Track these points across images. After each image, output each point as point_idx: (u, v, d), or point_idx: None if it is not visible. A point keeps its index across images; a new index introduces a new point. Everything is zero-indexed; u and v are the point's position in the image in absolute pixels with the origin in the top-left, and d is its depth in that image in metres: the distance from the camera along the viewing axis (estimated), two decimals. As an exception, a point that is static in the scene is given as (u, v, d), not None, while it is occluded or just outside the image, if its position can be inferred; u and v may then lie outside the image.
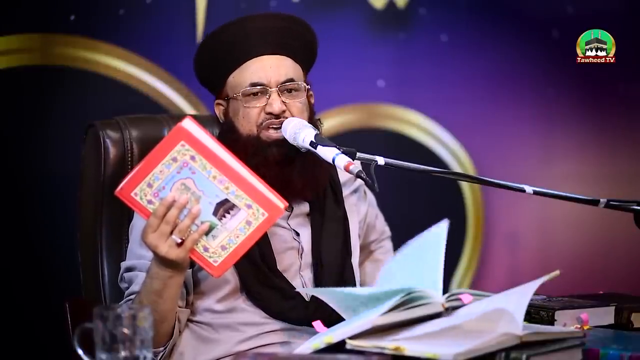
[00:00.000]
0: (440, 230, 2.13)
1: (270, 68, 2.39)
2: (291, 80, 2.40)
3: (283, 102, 2.39)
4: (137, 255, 2.35)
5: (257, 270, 2.36)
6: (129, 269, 2.36)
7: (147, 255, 2.30)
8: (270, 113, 2.37)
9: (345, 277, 2.44)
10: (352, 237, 2.51)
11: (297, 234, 2.45)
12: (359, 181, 2.56)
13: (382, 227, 2.71)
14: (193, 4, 3.57)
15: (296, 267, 2.43)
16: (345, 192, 2.55)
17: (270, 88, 2.38)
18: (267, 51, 2.41)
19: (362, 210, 2.60)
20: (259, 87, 2.38)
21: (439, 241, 2.10)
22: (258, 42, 2.40)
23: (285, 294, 2.38)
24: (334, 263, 2.43)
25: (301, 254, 2.44)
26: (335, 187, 2.52)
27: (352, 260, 2.49)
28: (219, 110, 2.47)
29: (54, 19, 3.35)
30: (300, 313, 2.37)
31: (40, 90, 3.32)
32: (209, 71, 2.46)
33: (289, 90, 2.40)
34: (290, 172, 2.38)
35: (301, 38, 2.46)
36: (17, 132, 3.29)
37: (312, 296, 2.38)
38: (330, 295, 2.15)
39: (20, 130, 3.29)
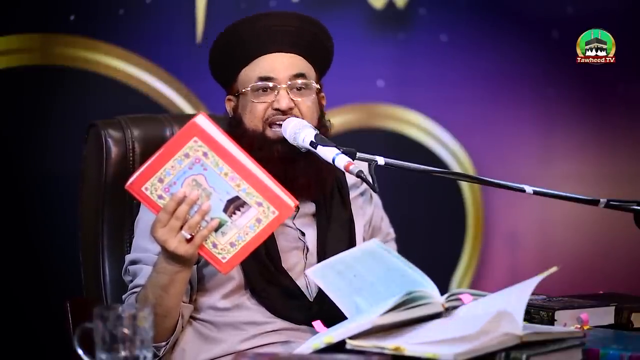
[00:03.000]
0: (372, 246, 2.13)
1: (280, 64, 2.40)
2: (301, 75, 2.40)
3: (292, 99, 2.39)
4: (143, 249, 2.35)
5: (262, 268, 2.36)
6: (134, 262, 2.36)
7: (153, 249, 2.30)
8: (277, 109, 2.37)
9: None
10: (356, 240, 2.51)
11: (303, 234, 2.45)
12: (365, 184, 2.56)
13: (387, 229, 2.71)
14: (193, 4, 3.57)
15: (300, 266, 2.43)
16: (352, 194, 2.55)
17: (280, 84, 2.38)
18: (278, 49, 2.41)
19: (367, 212, 2.60)
20: (267, 81, 2.38)
21: (382, 253, 2.11)
22: (270, 40, 2.41)
23: (290, 293, 2.38)
24: None
25: (306, 254, 2.44)
26: (342, 189, 2.52)
27: None
28: (229, 106, 2.48)
29: (54, 19, 3.35)
30: (304, 312, 2.37)
31: (40, 90, 3.32)
32: (222, 67, 2.47)
33: (299, 89, 2.40)
34: (294, 169, 2.38)
35: (313, 38, 2.46)
36: (17, 132, 3.29)
37: (316, 296, 2.38)
38: (326, 273, 2.16)
39: (20, 130, 3.29)
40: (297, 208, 2.43)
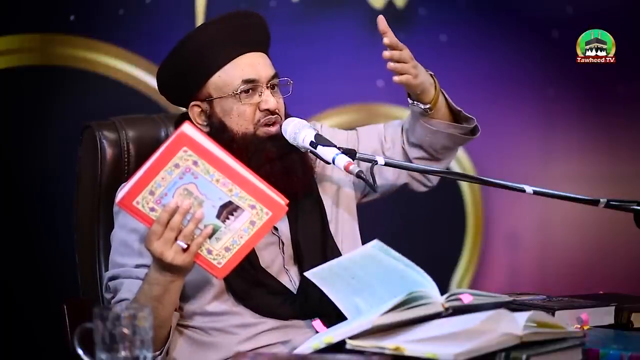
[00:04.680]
0: (370, 250, 2.14)
1: (259, 64, 2.39)
2: (276, 75, 2.41)
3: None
4: (119, 265, 2.35)
5: (241, 270, 2.34)
6: (113, 278, 2.35)
7: (129, 263, 2.32)
8: (266, 110, 2.37)
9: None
10: (327, 217, 2.49)
11: (276, 228, 2.43)
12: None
13: (378, 127, 2.62)
14: (193, 4, 3.57)
15: (280, 261, 2.42)
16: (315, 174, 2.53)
17: (261, 84, 2.38)
18: (249, 48, 2.40)
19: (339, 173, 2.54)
20: (252, 83, 2.37)
21: (380, 256, 2.11)
22: (241, 40, 2.39)
23: (272, 291, 2.37)
24: (314, 251, 2.42)
25: (282, 248, 2.43)
26: None
27: (333, 241, 2.47)
28: (195, 112, 2.41)
29: (54, 19, 3.35)
30: (289, 308, 2.36)
31: (40, 90, 3.32)
32: (186, 73, 2.40)
33: (273, 87, 2.40)
34: (289, 164, 2.37)
35: (267, 33, 2.46)
36: (16, 132, 3.29)
37: (299, 288, 2.38)
38: (325, 276, 2.17)
39: (20, 130, 3.29)
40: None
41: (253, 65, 2.38)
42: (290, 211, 2.41)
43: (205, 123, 2.41)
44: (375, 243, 2.15)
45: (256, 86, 2.37)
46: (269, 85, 2.38)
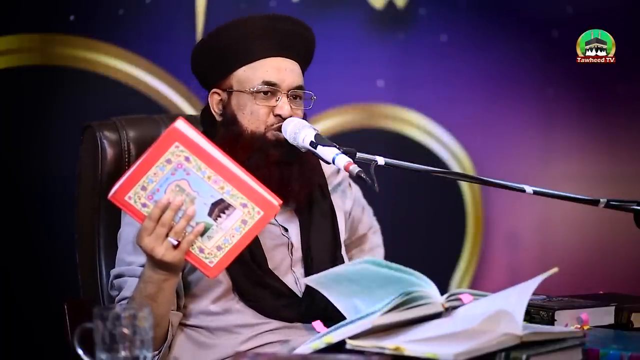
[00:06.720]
0: (363, 264, 2.14)
1: (285, 71, 2.40)
2: (301, 87, 2.42)
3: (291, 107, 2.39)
4: (126, 262, 2.35)
5: (248, 270, 2.35)
6: (119, 276, 2.36)
7: (136, 262, 2.31)
8: (279, 115, 2.37)
9: None
10: (339, 229, 2.51)
11: (286, 230, 2.44)
12: (343, 174, 2.57)
13: (369, 222, 2.70)
14: (193, 4, 3.57)
15: (287, 263, 2.42)
16: (330, 185, 2.55)
17: (282, 91, 2.38)
18: (283, 53, 2.41)
19: (346, 202, 2.60)
20: (272, 86, 2.38)
21: (374, 269, 2.11)
22: (277, 43, 2.40)
23: (278, 293, 2.38)
24: (324, 256, 2.43)
25: (291, 250, 2.44)
26: (321, 180, 2.51)
27: (341, 252, 2.49)
28: (214, 100, 2.44)
29: (54, 19, 3.35)
30: (294, 311, 2.37)
31: (40, 90, 3.32)
32: (216, 59, 2.43)
33: (295, 97, 2.41)
34: (289, 174, 2.38)
35: (309, 46, 2.47)
36: (16, 132, 3.28)
37: (305, 292, 2.38)
38: (323, 281, 2.16)
39: (19, 130, 3.29)
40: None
41: (279, 69, 2.39)
42: (303, 216, 2.43)
43: (220, 112, 2.43)
44: (366, 258, 2.14)
45: (275, 90, 2.38)
46: (289, 93, 2.38)
